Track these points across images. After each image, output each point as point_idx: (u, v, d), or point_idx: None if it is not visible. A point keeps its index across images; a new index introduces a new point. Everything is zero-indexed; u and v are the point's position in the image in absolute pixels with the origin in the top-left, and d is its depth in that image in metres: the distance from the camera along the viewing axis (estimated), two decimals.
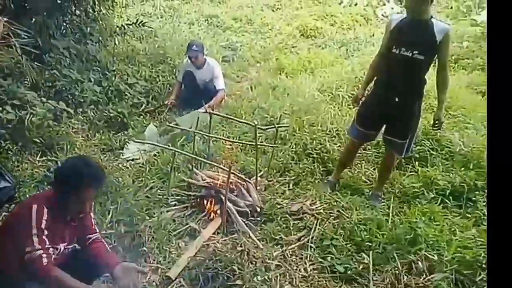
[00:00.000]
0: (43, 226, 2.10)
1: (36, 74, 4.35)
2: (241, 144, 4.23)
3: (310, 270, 2.85)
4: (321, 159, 4.07)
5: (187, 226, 3.23)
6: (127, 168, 3.88)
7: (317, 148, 4.14)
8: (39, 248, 2.08)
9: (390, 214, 3.38)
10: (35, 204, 2.13)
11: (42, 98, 4.16)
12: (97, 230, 2.51)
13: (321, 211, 3.40)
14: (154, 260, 2.90)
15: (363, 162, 4.13)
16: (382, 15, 9.51)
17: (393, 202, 3.54)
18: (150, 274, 2.79)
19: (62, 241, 2.26)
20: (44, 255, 2.09)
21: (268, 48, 7.46)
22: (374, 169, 4.03)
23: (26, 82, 4.26)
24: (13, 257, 2.13)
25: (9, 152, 3.67)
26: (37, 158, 3.80)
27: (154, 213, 3.27)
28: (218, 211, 3.37)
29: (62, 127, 4.13)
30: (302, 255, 2.99)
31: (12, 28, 3.86)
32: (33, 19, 4.72)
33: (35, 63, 4.42)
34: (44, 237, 2.10)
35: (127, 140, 4.31)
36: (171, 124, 4.32)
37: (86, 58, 5.24)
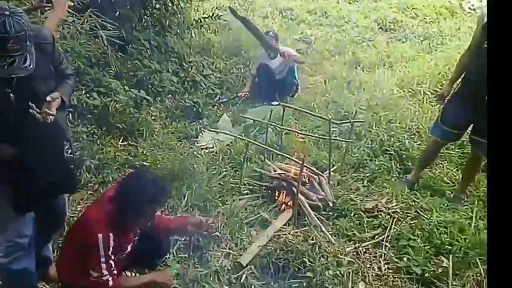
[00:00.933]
0: (110, 252, 2.22)
1: (120, 64, 4.70)
2: (313, 138, 4.24)
3: (385, 270, 2.81)
4: (398, 157, 3.97)
5: (258, 215, 3.32)
6: (201, 156, 4.06)
7: (395, 145, 4.04)
8: (106, 274, 2.23)
9: (474, 218, 3.21)
10: (100, 234, 2.18)
11: (125, 87, 4.49)
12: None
13: (398, 210, 3.32)
14: (226, 246, 3.01)
15: (445, 162, 3.96)
16: (469, 8, 8.97)
17: (477, 206, 3.36)
18: (222, 259, 2.91)
19: (126, 245, 2.39)
20: (110, 278, 2.24)
21: (344, 42, 7.36)
22: (457, 170, 3.85)
23: (110, 71, 4.59)
24: (81, 274, 2.25)
25: (94, 136, 4.00)
26: (119, 142, 4.10)
27: (226, 201, 3.40)
28: (290, 203, 3.41)
29: (142, 114, 4.41)
30: (376, 253, 2.95)
31: (99, 21, 4.20)
32: (118, 12, 5.08)
33: (119, 53, 4.78)
34: (111, 261, 2.23)
35: (202, 129, 4.50)
36: (244, 115, 4.44)
37: (165, 50, 5.53)
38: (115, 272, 2.27)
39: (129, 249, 2.42)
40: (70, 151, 2.42)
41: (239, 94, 5.28)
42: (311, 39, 7.39)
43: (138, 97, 4.54)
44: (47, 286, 2.62)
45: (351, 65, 6.34)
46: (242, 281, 2.74)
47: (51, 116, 1.98)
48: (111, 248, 2.21)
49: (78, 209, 3.23)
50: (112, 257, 2.23)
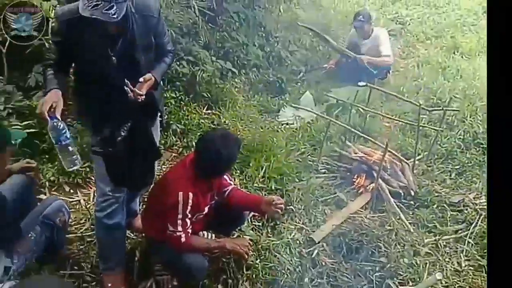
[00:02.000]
0: (187, 212, 2.39)
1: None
2: (400, 124, 4.15)
3: (465, 266, 2.73)
4: None
5: (334, 195, 3.37)
6: (282, 131, 4.16)
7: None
8: (180, 231, 2.40)
9: None
10: (181, 192, 2.34)
11: (212, 57, 4.69)
12: (231, 183, 2.72)
13: (486, 207, 3.18)
14: (300, 221, 3.11)
15: None
16: None
17: None
18: (294, 232, 3.01)
19: (204, 207, 2.54)
20: (183, 235, 2.41)
21: (443, 25, 6.97)
22: None
23: (200, 41, 4.81)
24: (161, 229, 2.44)
25: (181, 102, 4.25)
26: (204, 110, 4.32)
27: (303, 177, 3.49)
28: (368, 187, 3.41)
29: (227, 85, 4.59)
30: (457, 248, 2.88)
31: None
32: None
33: (209, 24, 4.99)
34: (187, 220, 2.41)
35: (283, 104, 4.59)
36: (328, 94, 4.46)
37: (252, 23, 5.65)
38: (189, 230, 2.44)
39: (206, 210, 2.58)
40: (161, 120, 2.62)
41: (324, 65, 5.28)
42: (406, 20, 7.09)
43: (224, 68, 4.72)
44: (132, 235, 2.90)
45: (448, 50, 6.02)
46: (313, 256, 2.83)
47: (141, 97, 2.14)
48: (189, 207, 2.38)
49: (163, 168, 3.49)
50: (189, 216, 2.40)
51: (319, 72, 5.36)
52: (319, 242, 2.93)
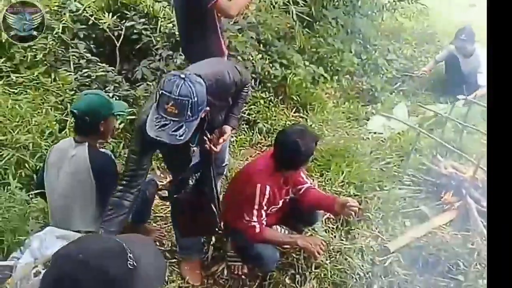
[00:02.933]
0: (264, 203, 2.57)
1: (304, 40, 5.11)
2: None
3: None
4: None
5: (417, 208, 3.35)
6: (368, 139, 4.21)
7: None
8: (255, 221, 2.59)
9: None
10: (259, 184, 2.53)
11: (305, 62, 4.88)
12: (308, 181, 2.85)
13: None
14: (376, 229, 3.16)
15: None
16: None
17: None
18: (369, 239, 3.07)
19: (279, 200, 2.70)
20: (257, 225, 2.59)
21: None
22: None
23: (295, 45, 5.04)
24: (237, 217, 2.65)
25: (270, 103, 4.50)
26: (291, 113, 4.53)
27: (385, 186, 3.52)
28: (456, 205, 3.34)
29: (317, 90, 4.76)
30: None
31: None
32: None
33: (306, 29, 5.20)
34: (262, 211, 2.59)
35: (373, 113, 4.63)
36: (424, 106, 4.40)
37: (351, 30, 5.75)
38: (264, 222, 2.64)
39: (280, 204, 2.75)
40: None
41: (415, 72, 5.21)
42: None
43: (316, 73, 4.89)
44: None
45: None
46: (385, 265, 2.87)
47: (215, 150, 2.34)
48: (265, 199, 2.57)
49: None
50: (265, 207, 2.60)
51: (416, 83, 5.28)
52: (394, 252, 2.95)
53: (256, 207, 2.57)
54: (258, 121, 4.21)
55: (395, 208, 3.33)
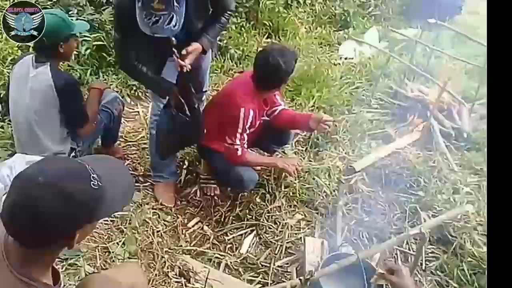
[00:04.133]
0: (247, 127, 2.54)
1: None
2: (467, 67, 3.96)
3: None
4: None
5: (383, 130, 3.38)
6: (339, 64, 4.16)
7: None
8: (237, 144, 2.56)
9: None
10: (243, 108, 2.48)
11: None
12: (282, 103, 2.82)
13: None
14: (343, 150, 3.20)
15: None
16: None
17: None
18: (336, 160, 3.11)
19: (258, 120, 2.68)
20: (239, 148, 2.57)
21: None
22: None
23: None
24: (217, 139, 2.62)
25: (242, 28, 4.34)
26: (263, 39, 4.40)
27: (353, 110, 3.52)
28: (420, 126, 3.38)
29: (290, 15, 4.59)
30: None
31: None
32: None
33: None
34: (245, 134, 2.56)
35: (345, 37, 4.53)
36: (395, 30, 4.31)
37: None
38: (245, 145, 2.62)
39: (257, 125, 2.72)
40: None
41: None
42: None
43: None
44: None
45: None
46: (351, 183, 2.93)
47: (185, 67, 2.21)
48: (249, 123, 2.54)
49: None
50: (247, 131, 2.57)
51: (388, 7, 5.14)
52: (359, 171, 3.00)
53: (239, 130, 2.54)
54: (229, 47, 4.07)
55: (362, 130, 3.35)
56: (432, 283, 2.38)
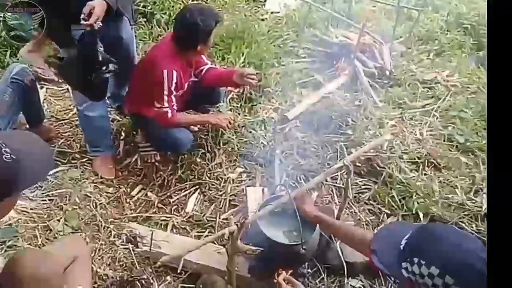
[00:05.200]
0: (172, 88, 2.49)
1: None
2: (386, 8, 4.04)
3: (426, 135, 2.86)
4: (475, 32, 3.68)
5: (312, 77, 3.42)
6: (266, 19, 4.10)
7: (473, 19, 3.72)
8: (166, 107, 2.52)
9: None
10: (165, 70, 2.43)
11: None
12: (208, 62, 2.79)
13: (458, 84, 3.23)
14: (276, 101, 3.21)
15: None
16: None
17: None
18: (270, 111, 3.13)
19: (184, 84, 2.63)
20: (169, 111, 2.53)
21: None
22: None
23: None
24: (147, 105, 2.57)
25: None
26: (189, 1, 4.22)
27: (283, 62, 3.52)
28: (346, 70, 3.44)
29: None
30: (422, 121, 2.98)
31: None
32: None
33: None
34: (172, 96, 2.51)
35: None
36: None
37: None
38: (175, 107, 2.58)
39: (186, 87, 2.68)
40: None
41: None
42: None
43: None
44: (118, 117, 3.06)
45: None
46: (286, 131, 2.97)
47: (88, 27, 2.07)
48: (173, 84, 2.49)
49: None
50: (174, 92, 2.52)
51: None
52: (292, 120, 3.05)
53: (165, 92, 2.50)
54: (155, 12, 3.90)
55: (293, 80, 3.37)
56: (365, 212, 2.50)
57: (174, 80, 2.49)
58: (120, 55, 2.44)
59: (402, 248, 1.13)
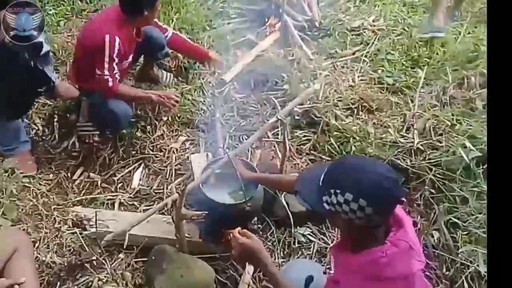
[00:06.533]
0: (114, 55, 2.34)
1: None
2: None
3: (358, 81, 2.87)
4: None
5: (245, 37, 3.31)
6: None
7: None
8: (107, 74, 2.36)
9: (462, 33, 3.10)
10: (107, 34, 2.30)
11: None
12: (168, 29, 2.78)
13: (384, 27, 3.24)
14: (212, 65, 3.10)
15: None
16: None
17: (468, 22, 3.21)
18: (207, 76, 3.02)
19: (128, 55, 2.50)
20: (110, 79, 2.38)
21: None
22: None
23: None
24: (89, 75, 2.42)
25: None
26: None
27: (214, 25, 3.39)
28: (277, 26, 3.36)
29: None
30: (353, 67, 2.99)
31: None
32: None
33: None
34: (114, 64, 2.36)
35: None
36: None
37: None
38: (117, 76, 2.42)
39: (130, 59, 2.56)
40: None
41: None
42: None
43: None
44: (49, 101, 2.84)
45: None
46: (224, 94, 2.89)
47: None
48: (116, 51, 2.35)
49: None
50: (116, 60, 2.37)
51: None
52: (229, 82, 2.96)
53: (106, 59, 2.35)
54: None
55: (226, 42, 3.26)
56: (307, 162, 2.51)
57: (117, 47, 2.35)
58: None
59: (320, 184, 1.17)
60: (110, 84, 2.40)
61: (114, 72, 2.40)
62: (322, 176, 1.18)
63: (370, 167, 1.13)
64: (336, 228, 2.17)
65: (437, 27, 3.04)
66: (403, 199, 1.16)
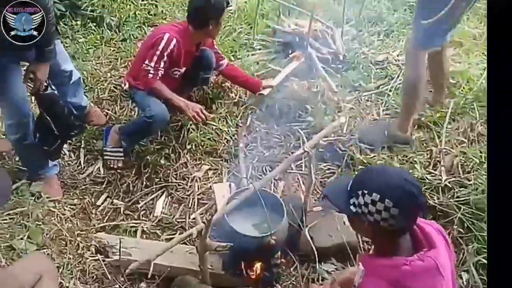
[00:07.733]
0: (165, 53, 2.50)
1: None
2: None
3: (382, 114, 2.88)
4: None
5: (269, 69, 3.38)
6: None
7: None
8: (151, 67, 2.51)
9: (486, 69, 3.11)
10: (167, 34, 2.51)
11: None
12: (224, 57, 2.96)
13: None
14: (236, 95, 3.15)
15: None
16: None
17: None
18: (231, 106, 3.07)
19: (182, 64, 2.67)
20: (152, 71, 2.52)
21: None
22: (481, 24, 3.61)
23: None
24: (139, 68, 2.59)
25: None
26: (139, 1, 4.08)
27: (239, 56, 3.46)
28: (301, 58, 3.41)
29: None
30: (378, 101, 3.00)
31: None
32: None
33: None
34: (162, 61, 2.51)
35: None
36: None
37: None
38: (159, 73, 2.54)
39: (181, 71, 2.71)
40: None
41: None
42: None
43: None
44: None
45: None
46: (248, 124, 2.93)
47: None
48: (169, 50, 2.51)
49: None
50: (166, 59, 2.52)
51: None
52: (251, 112, 3.00)
53: (157, 53, 2.50)
54: (104, 16, 3.74)
55: (250, 73, 3.31)
56: None
57: (171, 47, 2.51)
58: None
59: (349, 189, 1.24)
60: (150, 76, 2.53)
61: (159, 68, 2.53)
62: (351, 182, 1.26)
63: (395, 172, 1.25)
64: None
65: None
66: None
